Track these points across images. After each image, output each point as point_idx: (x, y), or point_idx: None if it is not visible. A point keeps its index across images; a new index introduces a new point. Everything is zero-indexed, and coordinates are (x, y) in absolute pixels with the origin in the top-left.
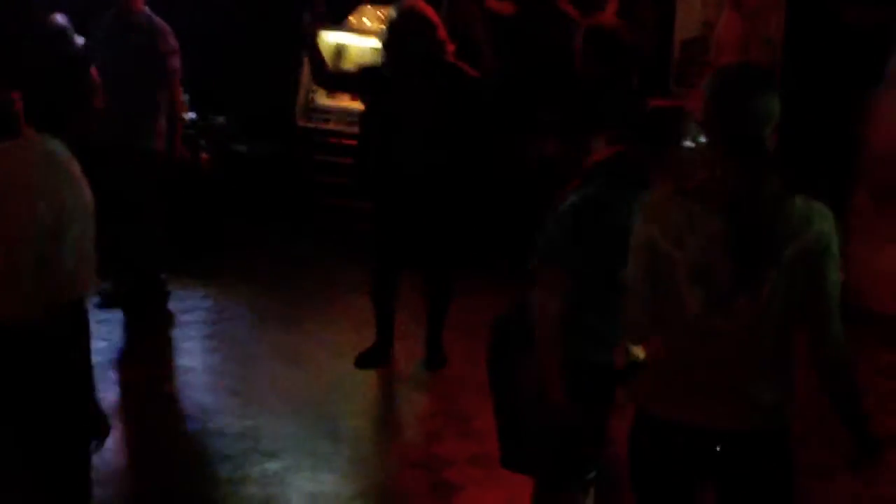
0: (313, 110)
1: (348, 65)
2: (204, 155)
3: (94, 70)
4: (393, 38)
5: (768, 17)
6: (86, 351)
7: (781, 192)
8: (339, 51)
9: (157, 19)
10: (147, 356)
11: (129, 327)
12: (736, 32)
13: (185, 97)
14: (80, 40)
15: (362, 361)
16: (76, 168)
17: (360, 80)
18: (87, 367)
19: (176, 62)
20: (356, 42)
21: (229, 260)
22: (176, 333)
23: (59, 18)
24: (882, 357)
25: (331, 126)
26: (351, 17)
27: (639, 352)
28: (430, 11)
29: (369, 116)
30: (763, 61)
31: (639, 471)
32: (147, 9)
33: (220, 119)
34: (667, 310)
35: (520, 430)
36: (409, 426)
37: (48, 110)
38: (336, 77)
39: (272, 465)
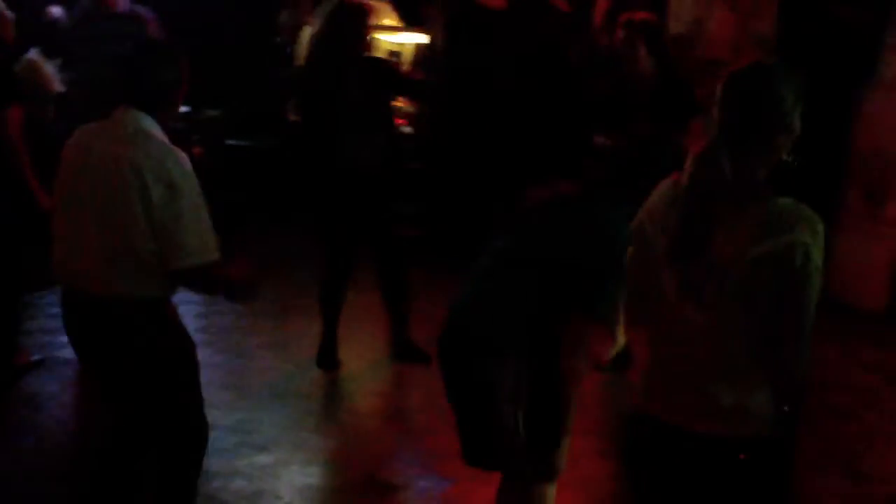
0: None
1: None
2: (196, 148)
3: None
4: (321, 31)
5: (761, 15)
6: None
7: (759, 190)
8: None
9: (139, 7)
10: None
11: None
12: (729, 31)
13: None
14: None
15: (325, 362)
16: (167, 141)
17: (292, 82)
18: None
19: None
20: None
21: (220, 253)
22: None
23: (55, 11)
24: (865, 353)
25: None
26: None
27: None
28: (362, 6)
29: (305, 116)
30: (756, 59)
31: (632, 466)
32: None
33: (214, 112)
34: (651, 297)
35: (486, 429)
36: (400, 420)
37: (145, 89)
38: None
39: (262, 459)
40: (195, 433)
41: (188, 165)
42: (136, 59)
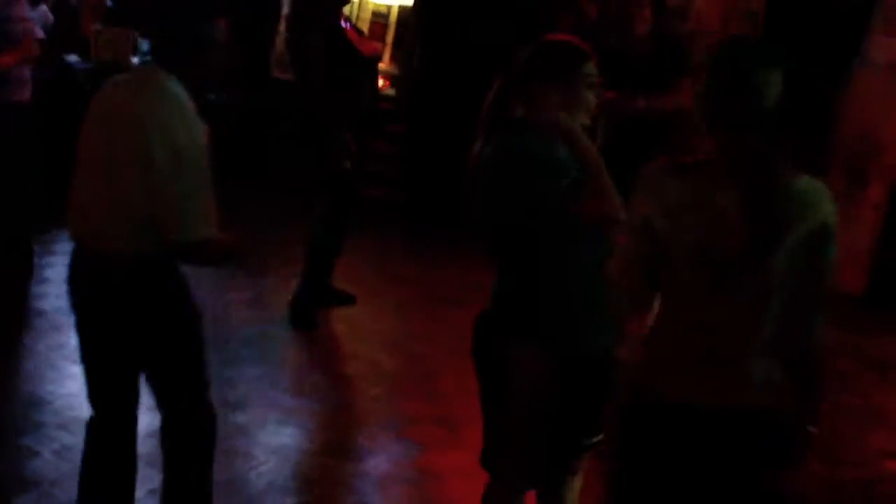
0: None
1: None
2: None
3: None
4: None
5: None
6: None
7: (791, 171)
8: None
9: None
10: None
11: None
12: (717, 5)
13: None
14: None
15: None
16: (190, 106)
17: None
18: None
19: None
20: None
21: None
22: None
23: None
24: (841, 337)
25: None
26: None
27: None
28: None
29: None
30: (744, 33)
31: (629, 451)
32: None
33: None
34: (667, 286)
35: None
36: (375, 384)
37: (173, 48)
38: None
39: (237, 418)
40: (205, 413)
41: (199, 133)
42: (162, 12)
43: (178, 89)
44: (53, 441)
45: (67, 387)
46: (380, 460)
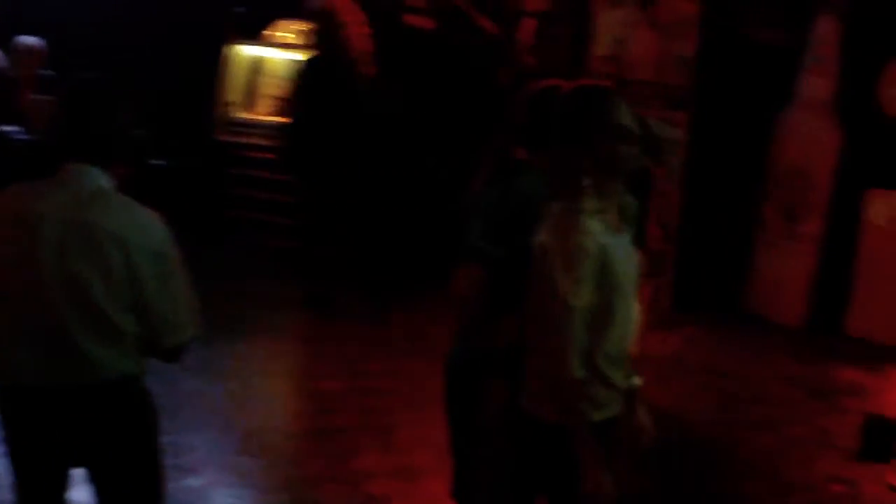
0: (232, 124)
1: (266, 77)
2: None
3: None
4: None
5: (683, 36)
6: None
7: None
8: (256, 64)
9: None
10: None
11: None
12: (650, 50)
13: None
14: None
15: None
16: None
17: None
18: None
19: None
20: (272, 55)
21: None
22: None
23: None
24: (785, 367)
25: (249, 140)
26: (266, 31)
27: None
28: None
29: None
30: (678, 79)
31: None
32: None
33: (138, 132)
34: None
35: (470, 464)
36: (330, 440)
37: (92, 139)
38: None
39: (193, 482)
40: None
41: (164, 226)
42: (78, 102)
43: (110, 185)
44: None
45: None
46: None
